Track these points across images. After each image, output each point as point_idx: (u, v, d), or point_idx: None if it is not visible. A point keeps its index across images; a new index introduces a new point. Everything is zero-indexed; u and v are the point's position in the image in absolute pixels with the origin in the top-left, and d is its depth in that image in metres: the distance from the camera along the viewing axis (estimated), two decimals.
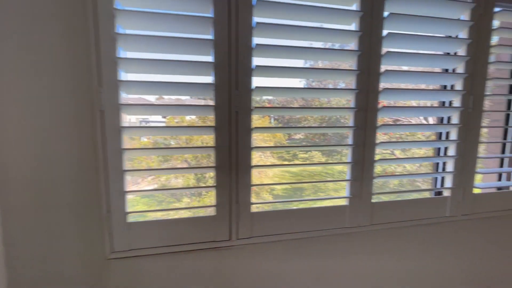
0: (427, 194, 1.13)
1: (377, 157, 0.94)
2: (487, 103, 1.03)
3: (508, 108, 1.15)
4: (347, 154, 0.94)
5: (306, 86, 2.23)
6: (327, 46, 0.97)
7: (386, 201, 1.00)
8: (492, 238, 1.15)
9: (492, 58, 1.00)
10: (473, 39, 0.96)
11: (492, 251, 1.16)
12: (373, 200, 0.97)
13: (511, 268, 1.20)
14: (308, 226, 0.94)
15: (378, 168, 0.96)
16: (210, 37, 0.77)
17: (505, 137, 1.20)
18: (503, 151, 1.21)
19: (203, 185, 2.93)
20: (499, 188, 1.14)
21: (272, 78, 0.85)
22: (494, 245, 1.16)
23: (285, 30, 0.81)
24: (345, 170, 0.96)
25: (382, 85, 0.92)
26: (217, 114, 0.80)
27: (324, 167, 4.48)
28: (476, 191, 1.07)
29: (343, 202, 0.96)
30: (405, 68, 1.00)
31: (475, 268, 1.15)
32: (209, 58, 0.79)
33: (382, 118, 0.99)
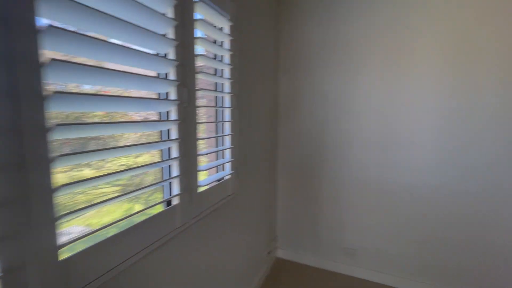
0: (159, 208, 0.91)
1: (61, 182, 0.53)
2: (203, 100, 1.00)
3: (216, 104, 1.24)
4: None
5: None
6: None
7: (89, 247, 0.63)
8: (219, 227, 1.22)
9: (198, 50, 0.96)
10: (179, 22, 0.84)
11: (223, 238, 1.24)
12: (60, 258, 0.56)
13: (239, 244, 1.38)
14: None
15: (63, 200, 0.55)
16: None
17: (217, 131, 1.30)
18: (217, 145, 1.31)
19: None
20: (218, 180, 1.21)
21: None
22: (222, 232, 1.24)
23: None
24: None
25: (48, 54, 0.51)
26: None
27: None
28: (201, 189, 1.03)
29: None
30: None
31: (217, 258, 1.17)
32: None
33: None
